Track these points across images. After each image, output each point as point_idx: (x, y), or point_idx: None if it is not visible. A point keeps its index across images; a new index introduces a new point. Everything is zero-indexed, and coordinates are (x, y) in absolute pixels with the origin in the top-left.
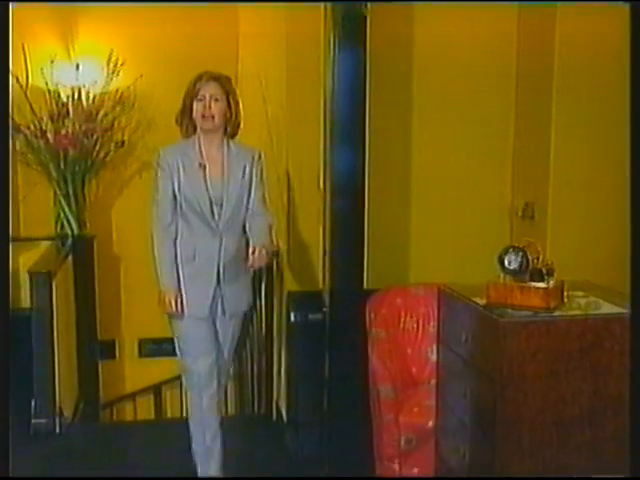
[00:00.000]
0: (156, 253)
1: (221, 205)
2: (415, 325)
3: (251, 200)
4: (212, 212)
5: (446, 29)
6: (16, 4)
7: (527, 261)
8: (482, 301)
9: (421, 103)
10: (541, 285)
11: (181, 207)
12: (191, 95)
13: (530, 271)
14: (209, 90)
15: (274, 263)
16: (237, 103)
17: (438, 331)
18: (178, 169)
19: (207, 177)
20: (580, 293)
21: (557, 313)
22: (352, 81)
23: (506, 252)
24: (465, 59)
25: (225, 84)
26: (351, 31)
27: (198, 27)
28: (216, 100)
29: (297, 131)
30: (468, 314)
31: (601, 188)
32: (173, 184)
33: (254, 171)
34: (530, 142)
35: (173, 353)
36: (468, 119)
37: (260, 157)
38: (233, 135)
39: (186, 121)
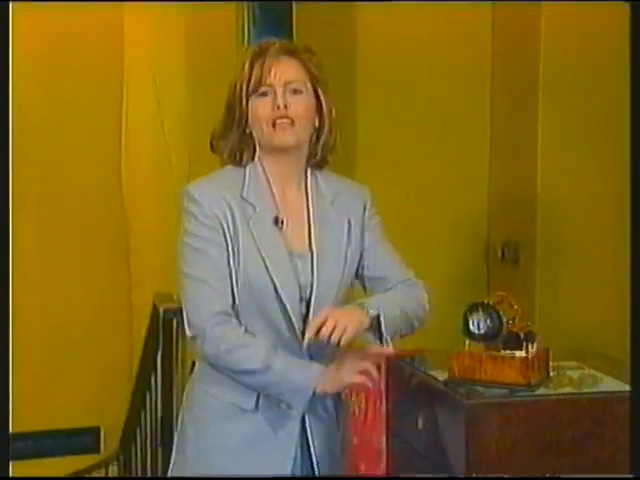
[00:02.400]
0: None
1: (308, 301)
2: (362, 406)
3: (368, 277)
4: (298, 315)
5: (394, 23)
6: None
7: (500, 323)
8: (443, 376)
9: (365, 111)
10: (519, 354)
11: (233, 301)
12: (244, 86)
13: (504, 336)
14: (283, 73)
15: None
16: (331, 102)
17: (387, 415)
18: (229, 226)
19: (289, 243)
20: (572, 364)
21: (541, 391)
22: None
23: (472, 311)
24: (420, 62)
25: (310, 65)
26: (274, 23)
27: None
28: (296, 92)
29: (203, 148)
30: (425, 393)
31: (604, 221)
32: (228, 253)
33: (366, 227)
34: (512, 161)
35: None
36: (425, 130)
37: (370, 201)
38: (322, 163)
39: (235, 137)
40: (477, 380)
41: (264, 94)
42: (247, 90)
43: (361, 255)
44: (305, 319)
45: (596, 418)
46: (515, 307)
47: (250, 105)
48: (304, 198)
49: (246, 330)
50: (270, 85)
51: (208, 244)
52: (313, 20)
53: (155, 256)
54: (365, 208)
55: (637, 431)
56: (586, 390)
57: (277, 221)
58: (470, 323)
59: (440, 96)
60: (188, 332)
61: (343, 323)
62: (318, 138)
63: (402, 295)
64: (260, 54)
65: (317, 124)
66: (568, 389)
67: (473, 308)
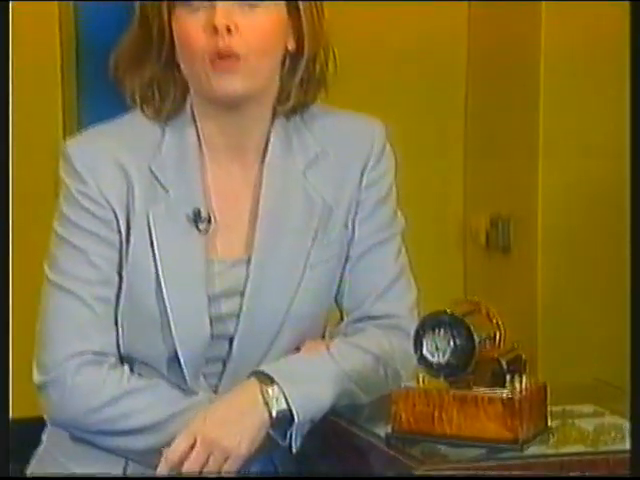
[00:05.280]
0: None
1: (230, 346)
2: None
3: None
4: (201, 366)
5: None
6: None
7: (471, 345)
8: (384, 428)
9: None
10: (501, 394)
11: (122, 329)
12: None
13: (478, 366)
14: None
15: None
16: (317, 6)
17: None
18: (125, 215)
19: (216, 250)
20: (586, 408)
21: (535, 451)
22: None
23: (427, 327)
24: None
25: None
26: None
27: None
28: (251, 6)
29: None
30: (356, 455)
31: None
32: (121, 259)
33: (359, 210)
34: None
35: None
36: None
37: (378, 156)
38: (301, 108)
39: (152, 70)
40: (437, 435)
41: (195, 8)
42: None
43: (345, 262)
44: (222, 375)
45: None
46: (495, 320)
47: (174, 23)
48: (258, 176)
49: (132, 371)
50: None
51: (90, 241)
52: None
53: None
54: (364, 172)
55: (637, 430)
56: (604, 448)
57: (197, 217)
58: (425, 346)
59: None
60: (35, 376)
61: (222, 451)
62: (294, 70)
63: (368, 347)
64: None
65: (293, 47)
66: (577, 447)
67: (430, 323)
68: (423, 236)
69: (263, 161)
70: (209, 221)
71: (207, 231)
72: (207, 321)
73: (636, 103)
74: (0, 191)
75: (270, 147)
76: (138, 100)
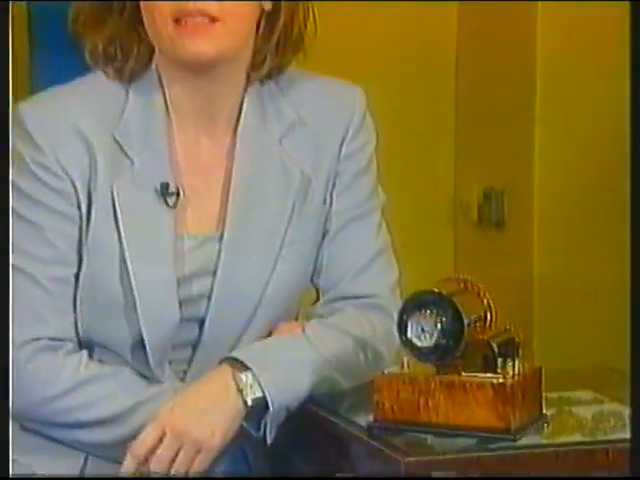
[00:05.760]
0: None
1: (200, 329)
2: None
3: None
4: (168, 353)
5: None
6: None
7: (460, 327)
8: (366, 418)
9: None
10: (492, 380)
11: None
12: None
13: (468, 349)
14: None
15: None
16: None
17: None
18: (85, 187)
19: (187, 226)
20: (585, 394)
21: (528, 441)
22: None
23: (412, 308)
24: None
25: None
26: None
27: None
28: None
29: None
30: (335, 447)
31: None
32: (80, 236)
33: (338, 182)
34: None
35: None
36: None
37: (358, 124)
38: (277, 72)
39: (115, 27)
40: (422, 424)
41: None
42: None
43: (322, 239)
44: (190, 362)
45: None
46: (486, 300)
47: None
48: (231, 146)
49: (91, 357)
50: None
51: (46, 216)
52: None
53: None
54: (343, 141)
55: (637, 430)
56: (603, 438)
57: (165, 190)
58: (409, 328)
59: None
60: None
61: (193, 443)
62: (271, 32)
63: (347, 329)
64: None
65: (269, 7)
66: (574, 436)
67: (414, 303)
68: (410, 210)
69: (236, 130)
70: (178, 194)
71: (176, 205)
72: (176, 303)
73: (636, 72)
74: (0, 188)
75: (243, 114)
76: (99, 58)
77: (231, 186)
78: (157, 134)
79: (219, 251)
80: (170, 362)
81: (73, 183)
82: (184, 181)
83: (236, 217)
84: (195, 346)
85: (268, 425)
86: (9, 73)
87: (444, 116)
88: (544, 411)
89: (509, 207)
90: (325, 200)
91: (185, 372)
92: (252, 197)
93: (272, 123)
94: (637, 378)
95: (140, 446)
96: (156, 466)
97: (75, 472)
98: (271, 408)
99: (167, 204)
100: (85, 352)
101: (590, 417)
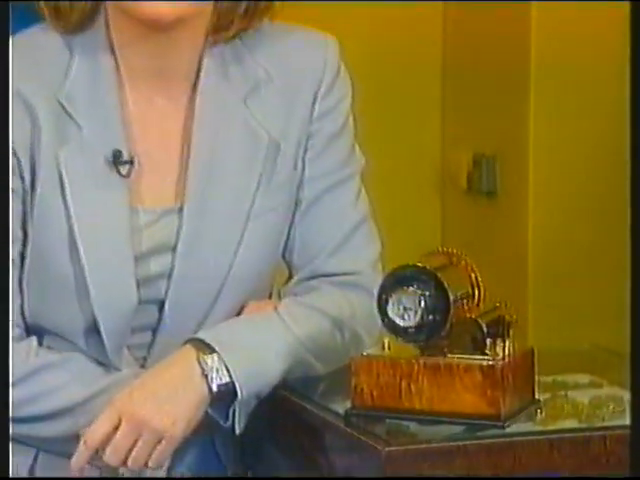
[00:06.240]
0: None
1: (160, 311)
2: None
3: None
4: (127, 337)
5: None
6: None
7: (445, 304)
8: (343, 404)
9: None
10: (481, 362)
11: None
12: None
13: (454, 329)
14: None
15: None
16: None
17: None
18: (28, 156)
19: (143, 197)
20: (582, 377)
21: (519, 428)
22: None
23: (394, 284)
24: None
25: None
26: None
27: None
28: None
29: None
30: (310, 436)
31: None
32: (25, 210)
33: (309, 147)
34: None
35: None
36: None
37: (331, 80)
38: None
39: None
40: (405, 410)
41: None
42: None
43: (295, 210)
44: (151, 347)
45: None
46: (474, 275)
47: None
48: (190, 107)
49: (41, 344)
50: None
51: None
52: None
53: None
54: (315, 99)
55: (637, 429)
56: (601, 424)
57: (117, 159)
58: (390, 306)
59: None
60: None
61: (153, 433)
62: None
63: (324, 308)
64: None
65: None
66: (570, 423)
67: (396, 279)
68: (393, 179)
69: (195, 89)
70: (131, 163)
71: (129, 175)
72: (133, 283)
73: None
74: (1, 192)
75: (203, 72)
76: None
77: (191, 152)
78: (107, 96)
79: (179, 225)
80: (129, 348)
81: (15, 152)
82: (138, 148)
83: (197, 187)
84: (155, 330)
85: (237, 414)
86: (9, 73)
87: (430, 75)
88: (537, 396)
89: (501, 174)
90: (296, 165)
91: (145, 358)
92: (214, 164)
93: (236, 82)
94: (637, 358)
95: (93, 435)
96: (111, 457)
97: (24, 470)
98: (240, 395)
99: (120, 174)
100: (34, 338)
101: (587, 402)
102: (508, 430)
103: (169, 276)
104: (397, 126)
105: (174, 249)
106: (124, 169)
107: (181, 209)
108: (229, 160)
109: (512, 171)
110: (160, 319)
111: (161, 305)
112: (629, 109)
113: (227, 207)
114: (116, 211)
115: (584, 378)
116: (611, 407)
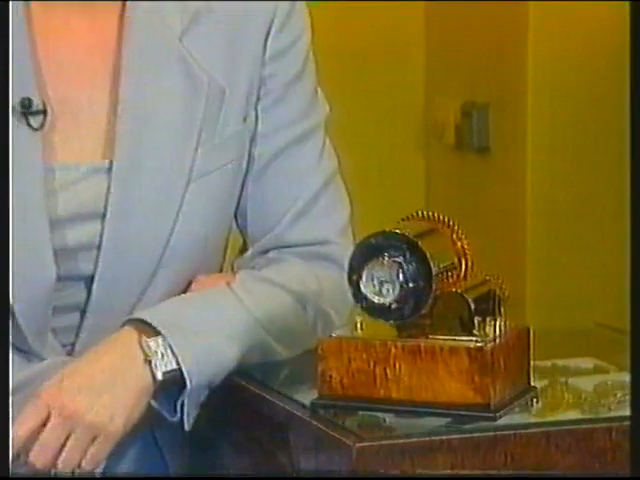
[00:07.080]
0: None
1: (89, 290)
2: None
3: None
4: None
5: None
6: None
7: (427, 277)
8: (309, 394)
9: None
10: (468, 343)
11: None
12: None
13: (437, 306)
14: None
15: None
16: None
17: None
18: None
19: (57, 164)
20: (585, 362)
21: (511, 420)
22: None
23: (368, 254)
24: None
25: None
26: None
27: None
28: None
29: None
30: (270, 431)
31: None
32: None
33: (262, 97)
34: None
35: None
36: None
37: (284, 18)
38: None
39: None
40: (380, 401)
41: None
42: None
43: (248, 169)
44: (79, 330)
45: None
46: (461, 243)
47: None
48: (116, 44)
49: None
50: None
51: None
52: None
53: None
54: (267, 36)
55: (637, 429)
56: (608, 415)
57: (26, 108)
58: (363, 280)
59: None
60: None
61: (87, 428)
62: None
63: (285, 283)
64: None
65: None
66: (571, 414)
67: (369, 248)
68: (370, 131)
69: (122, 19)
70: (44, 112)
71: (42, 127)
72: (49, 255)
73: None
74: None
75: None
76: None
77: (119, 99)
78: (11, 29)
79: (108, 186)
80: (54, 332)
81: None
82: (53, 93)
83: (127, 141)
84: (83, 310)
85: (185, 406)
86: (9, 73)
87: (412, 14)
88: (533, 383)
89: (494, 127)
90: (247, 117)
91: (73, 344)
92: (148, 114)
93: (171, 14)
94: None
95: (18, 431)
96: (38, 458)
97: None
98: (188, 384)
99: (30, 126)
100: None
101: (591, 390)
102: (499, 422)
103: (98, 247)
104: (372, 70)
105: (103, 215)
106: (35, 120)
107: (110, 168)
108: (164, 109)
109: (507, 123)
110: (88, 298)
111: (89, 281)
112: (629, 51)
113: (164, 165)
114: (26, 170)
115: (588, 362)
116: (619, 395)
